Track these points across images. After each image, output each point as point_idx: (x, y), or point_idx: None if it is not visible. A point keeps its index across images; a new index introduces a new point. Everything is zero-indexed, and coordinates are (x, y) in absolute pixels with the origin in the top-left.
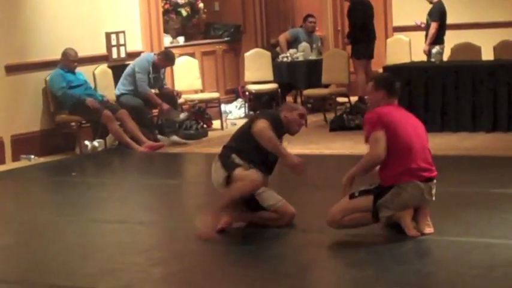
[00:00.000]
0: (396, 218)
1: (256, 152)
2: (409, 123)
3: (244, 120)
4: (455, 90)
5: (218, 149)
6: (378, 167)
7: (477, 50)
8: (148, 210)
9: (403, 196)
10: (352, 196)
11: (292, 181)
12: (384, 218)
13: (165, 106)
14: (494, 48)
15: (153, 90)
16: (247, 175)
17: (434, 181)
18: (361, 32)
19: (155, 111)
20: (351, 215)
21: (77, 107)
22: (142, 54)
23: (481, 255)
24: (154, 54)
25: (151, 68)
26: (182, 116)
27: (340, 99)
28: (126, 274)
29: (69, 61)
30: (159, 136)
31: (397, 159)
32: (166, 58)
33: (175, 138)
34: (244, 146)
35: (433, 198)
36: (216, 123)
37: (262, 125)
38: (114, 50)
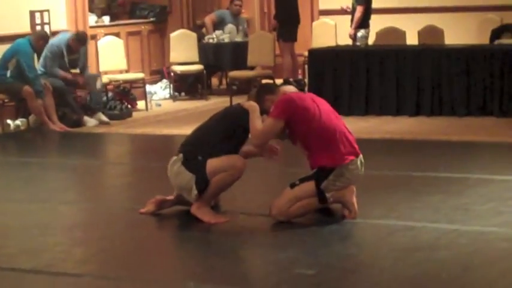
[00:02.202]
0: (339, 197)
1: (227, 147)
2: (324, 104)
3: (169, 102)
4: (380, 74)
5: (142, 130)
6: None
7: (402, 34)
8: (71, 190)
9: (346, 175)
10: (293, 185)
11: None
12: (331, 198)
13: (80, 79)
14: (419, 33)
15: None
16: (230, 164)
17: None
18: (289, 15)
19: (79, 92)
20: (297, 203)
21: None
22: (58, 35)
23: (402, 238)
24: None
25: (65, 51)
26: (99, 84)
27: (266, 82)
28: (47, 254)
29: (42, 43)
30: (85, 117)
31: (331, 143)
32: (77, 39)
33: (101, 116)
34: (216, 145)
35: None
36: (140, 104)
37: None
38: (38, 28)
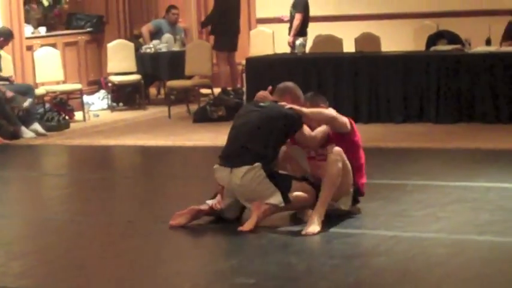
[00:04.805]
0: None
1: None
2: None
3: (107, 112)
4: (317, 82)
5: (80, 141)
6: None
7: (339, 42)
8: (8, 202)
9: None
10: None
11: (154, 172)
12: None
13: (9, 93)
14: (356, 41)
15: None
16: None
17: None
18: (223, 24)
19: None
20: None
21: None
22: None
23: (341, 245)
24: None
25: None
26: (26, 103)
27: (204, 91)
28: None
29: None
30: (22, 128)
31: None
32: (3, 34)
33: (37, 126)
34: (272, 153)
35: None
36: (78, 115)
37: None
38: None
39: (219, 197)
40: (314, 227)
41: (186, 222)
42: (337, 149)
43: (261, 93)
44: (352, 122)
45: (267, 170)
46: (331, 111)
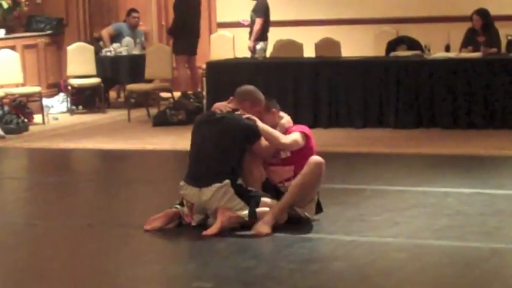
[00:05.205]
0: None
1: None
2: None
3: (66, 115)
4: (278, 87)
5: (39, 144)
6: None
7: (299, 47)
8: None
9: None
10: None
11: (114, 176)
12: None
13: None
14: (316, 46)
15: None
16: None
17: None
18: (183, 28)
19: None
20: None
21: None
22: None
23: (299, 249)
24: None
25: None
26: None
27: (164, 95)
28: None
29: None
30: None
31: None
32: None
33: None
34: (238, 166)
35: None
36: (37, 118)
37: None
38: None
39: (187, 211)
40: (265, 228)
41: (162, 226)
42: (318, 160)
43: (220, 105)
44: (307, 131)
45: (236, 187)
46: (283, 137)
